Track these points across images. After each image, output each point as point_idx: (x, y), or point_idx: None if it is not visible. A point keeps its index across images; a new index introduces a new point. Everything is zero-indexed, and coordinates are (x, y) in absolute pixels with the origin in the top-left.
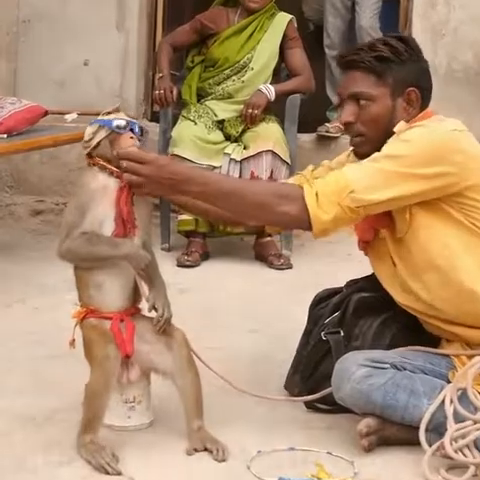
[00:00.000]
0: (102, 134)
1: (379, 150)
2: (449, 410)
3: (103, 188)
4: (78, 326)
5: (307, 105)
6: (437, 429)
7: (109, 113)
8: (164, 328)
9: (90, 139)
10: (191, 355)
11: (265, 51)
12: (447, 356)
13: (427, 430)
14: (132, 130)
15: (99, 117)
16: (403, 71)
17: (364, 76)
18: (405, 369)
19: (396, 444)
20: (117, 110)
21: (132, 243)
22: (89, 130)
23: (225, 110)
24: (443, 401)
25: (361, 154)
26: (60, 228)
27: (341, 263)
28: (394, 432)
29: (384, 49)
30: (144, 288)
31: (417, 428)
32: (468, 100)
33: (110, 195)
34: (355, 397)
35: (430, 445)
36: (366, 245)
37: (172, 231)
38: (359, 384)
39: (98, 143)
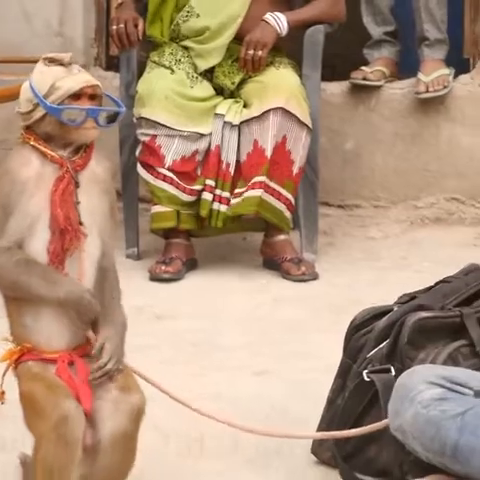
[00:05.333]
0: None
1: None
2: None
3: (38, 177)
4: (10, 372)
5: (336, 41)
6: None
7: (52, 61)
8: (113, 379)
9: (30, 111)
10: (136, 436)
11: None
12: None
13: None
14: (95, 119)
15: (34, 82)
16: None
17: None
18: None
19: None
20: (67, 61)
21: (75, 283)
22: (27, 95)
23: (210, 53)
24: None
25: None
26: None
27: (390, 270)
28: None
29: None
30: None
31: None
32: None
33: (47, 188)
34: (419, 426)
35: None
36: None
37: (142, 230)
38: (427, 409)
39: (41, 117)
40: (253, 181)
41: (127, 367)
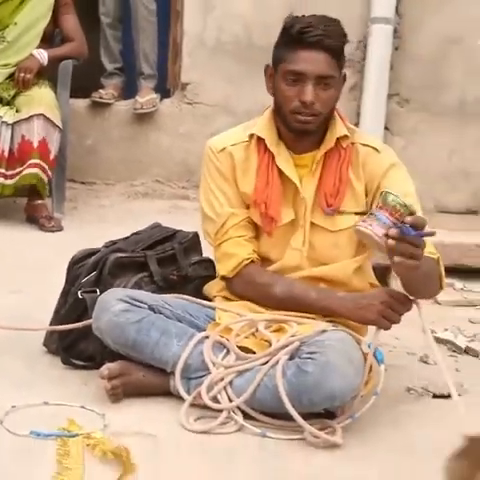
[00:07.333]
0: None
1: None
2: (207, 358)
3: None
4: None
5: (82, 71)
6: (185, 375)
7: None
8: None
9: None
10: None
11: (34, 11)
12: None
13: (172, 373)
14: None
15: None
16: (343, 55)
17: (329, 59)
18: (161, 313)
19: (144, 393)
20: None
21: None
22: None
23: None
24: (198, 351)
25: (309, 131)
26: None
27: (112, 228)
28: (140, 378)
29: (345, 34)
30: None
31: (163, 373)
32: (236, 70)
33: None
34: (111, 328)
35: (177, 392)
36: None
37: None
38: (117, 317)
39: None
40: (29, 162)
41: None
